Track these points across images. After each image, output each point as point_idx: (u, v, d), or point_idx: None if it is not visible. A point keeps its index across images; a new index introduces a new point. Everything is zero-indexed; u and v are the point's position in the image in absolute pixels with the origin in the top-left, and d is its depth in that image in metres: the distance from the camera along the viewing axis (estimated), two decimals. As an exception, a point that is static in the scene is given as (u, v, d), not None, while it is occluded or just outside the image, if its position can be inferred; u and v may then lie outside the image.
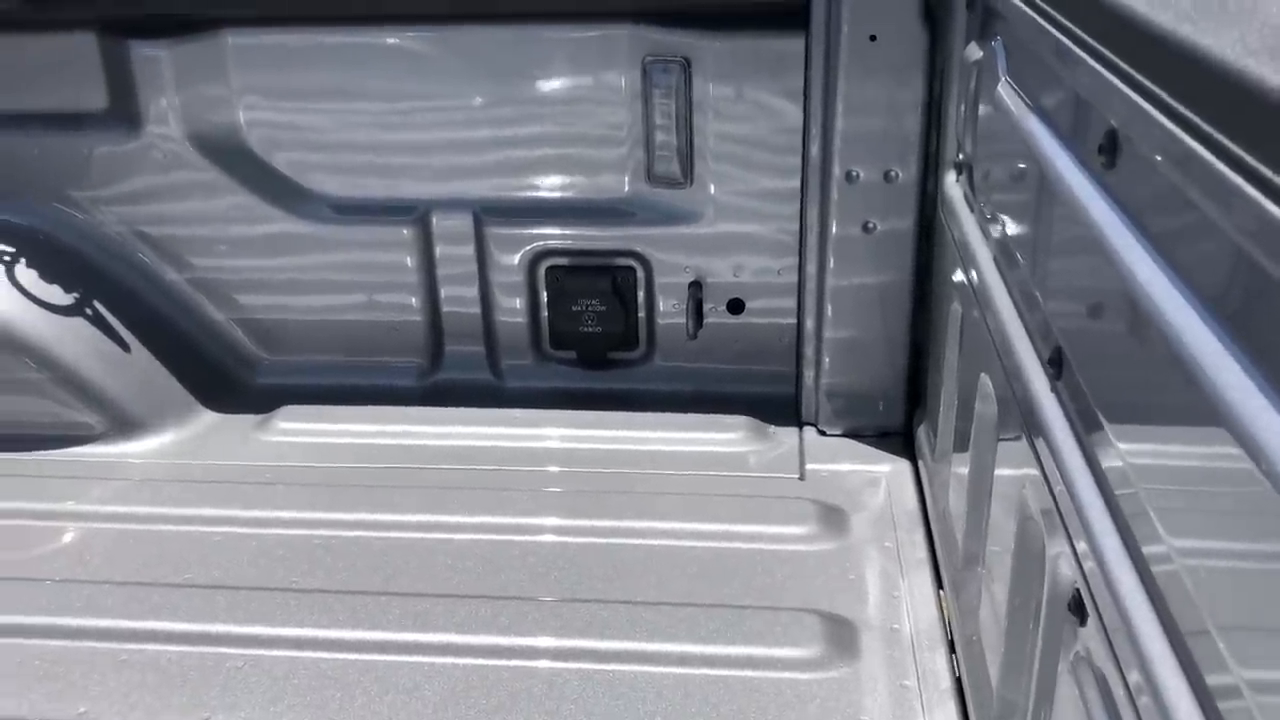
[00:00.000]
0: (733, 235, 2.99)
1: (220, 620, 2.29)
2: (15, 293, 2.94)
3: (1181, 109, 1.02)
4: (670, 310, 3.09)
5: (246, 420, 3.06)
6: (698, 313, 3.05)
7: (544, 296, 3.12)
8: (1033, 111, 1.72)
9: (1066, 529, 1.43)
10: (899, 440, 2.88)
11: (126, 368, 3.03)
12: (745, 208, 2.95)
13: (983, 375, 1.99)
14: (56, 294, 2.99)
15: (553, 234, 3.05)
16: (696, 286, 3.05)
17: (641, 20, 2.82)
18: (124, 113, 2.99)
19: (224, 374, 3.22)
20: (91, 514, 2.68)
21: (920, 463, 2.75)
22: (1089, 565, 1.32)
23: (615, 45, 2.85)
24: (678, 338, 3.10)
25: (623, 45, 2.84)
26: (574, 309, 3.09)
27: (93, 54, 2.93)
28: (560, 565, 2.44)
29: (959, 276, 2.28)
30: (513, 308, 3.14)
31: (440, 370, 3.23)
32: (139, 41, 2.93)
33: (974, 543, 2.09)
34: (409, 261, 3.11)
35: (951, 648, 2.17)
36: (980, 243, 2.13)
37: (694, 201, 2.96)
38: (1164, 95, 1.07)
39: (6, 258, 2.98)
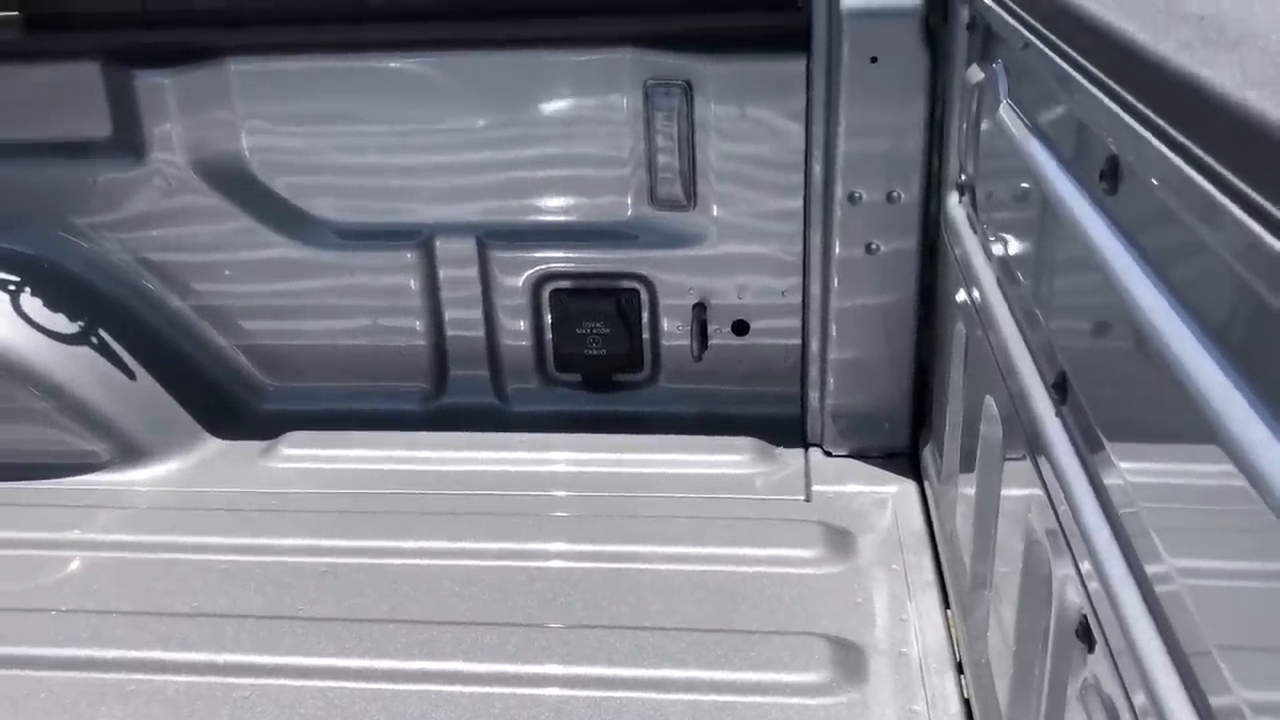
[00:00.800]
0: (736, 257, 2.99)
1: (227, 649, 2.28)
2: (20, 321, 2.95)
3: (1182, 139, 1.03)
4: (675, 332, 3.09)
5: (252, 447, 3.06)
6: (702, 334, 3.05)
7: (548, 319, 3.12)
8: (1034, 134, 1.72)
9: (1072, 551, 1.43)
10: (905, 461, 2.88)
11: (132, 395, 3.03)
12: (748, 229, 2.96)
13: (987, 397, 1.99)
14: (62, 322, 3.00)
15: (556, 257, 3.06)
16: (701, 308, 3.05)
17: (643, 44, 2.83)
18: (128, 141, 3.01)
19: (229, 400, 3.23)
20: (97, 543, 2.68)
21: (926, 483, 2.74)
22: (1094, 588, 1.32)
23: (617, 69, 2.85)
24: (682, 360, 3.10)
25: (624, 69, 2.85)
26: (578, 332, 3.09)
27: (97, 83, 2.95)
28: (567, 591, 2.44)
29: (962, 297, 2.28)
30: (517, 331, 3.14)
31: (445, 395, 3.23)
32: (143, 70, 2.94)
33: (981, 565, 2.09)
34: (413, 286, 3.11)
35: (960, 671, 2.16)
36: (983, 263, 2.13)
37: (697, 224, 2.96)
38: (1164, 124, 1.07)
39: (11, 286, 2.99)
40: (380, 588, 2.46)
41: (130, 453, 2.96)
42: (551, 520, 2.71)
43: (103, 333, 3.04)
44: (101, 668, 2.25)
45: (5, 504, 2.81)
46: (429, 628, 2.32)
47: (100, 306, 3.09)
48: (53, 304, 3.01)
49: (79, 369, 2.98)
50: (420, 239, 3.07)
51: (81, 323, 3.02)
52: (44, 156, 3.05)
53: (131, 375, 3.05)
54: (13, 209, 3.09)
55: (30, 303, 2.98)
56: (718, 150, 2.88)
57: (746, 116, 2.85)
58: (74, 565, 2.61)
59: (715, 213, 2.94)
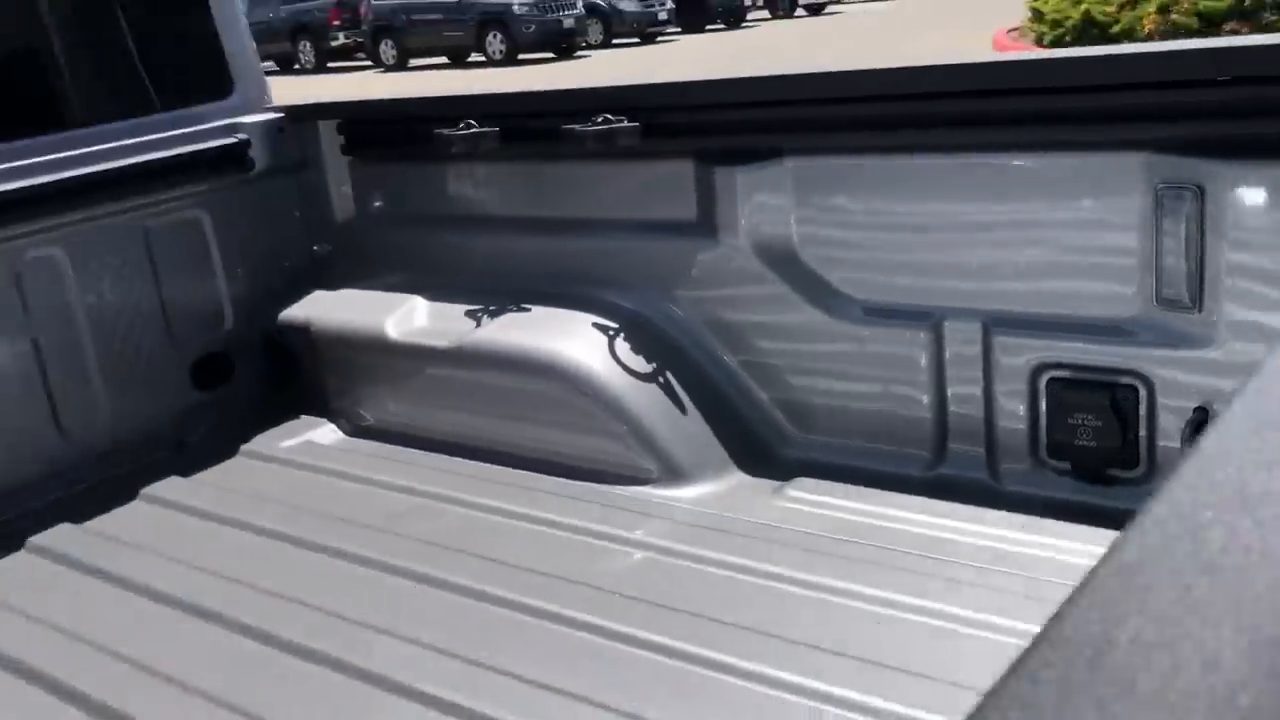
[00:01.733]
0: (1244, 364, 2.91)
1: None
2: (613, 361, 3.75)
3: None
4: (1172, 433, 3.07)
5: (769, 485, 3.56)
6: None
7: (1043, 406, 3.26)
8: None
9: None
10: None
11: (684, 428, 3.70)
12: (1259, 335, 2.87)
13: None
14: (641, 364, 3.76)
15: (1055, 347, 3.19)
16: (1202, 411, 3.00)
17: (1158, 149, 2.90)
18: (707, 223, 3.70)
19: (759, 442, 3.78)
20: (642, 543, 3.30)
21: None
22: None
23: (1129, 172, 2.95)
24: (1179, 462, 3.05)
25: (1137, 172, 2.94)
26: (1070, 421, 3.19)
27: (688, 177, 3.69)
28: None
29: None
30: (1013, 413, 3.32)
31: (942, 464, 3.49)
32: (721, 167, 3.62)
33: None
34: (922, 362, 3.43)
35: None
36: None
37: (1203, 326, 2.94)
38: None
39: (611, 332, 3.81)
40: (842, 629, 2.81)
41: (674, 474, 3.62)
42: (1024, 602, 2.81)
43: (669, 374, 3.75)
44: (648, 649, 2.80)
45: (573, 498, 3.60)
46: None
47: (670, 355, 3.81)
48: (637, 349, 3.78)
49: (649, 403, 3.71)
50: (932, 321, 3.39)
51: (654, 365, 3.76)
52: (648, 233, 3.86)
53: (685, 411, 3.72)
54: (621, 272, 3.93)
55: (621, 346, 3.78)
56: (1229, 253, 2.85)
57: (1264, 222, 2.79)
58: (630, 559, 3.25)
59: (1224, 316, 2.90)
